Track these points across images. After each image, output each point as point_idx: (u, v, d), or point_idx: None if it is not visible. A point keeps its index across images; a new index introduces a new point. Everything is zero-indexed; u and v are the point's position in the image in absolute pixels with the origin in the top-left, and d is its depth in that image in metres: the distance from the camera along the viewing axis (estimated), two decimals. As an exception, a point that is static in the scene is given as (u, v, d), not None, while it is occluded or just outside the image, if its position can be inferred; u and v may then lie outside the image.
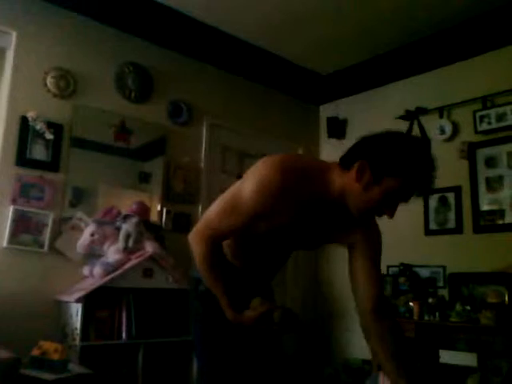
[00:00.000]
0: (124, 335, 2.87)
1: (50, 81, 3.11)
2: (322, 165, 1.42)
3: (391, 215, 1.34)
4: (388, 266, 3.83)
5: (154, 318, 3.02)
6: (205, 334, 1.64)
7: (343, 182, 1.33)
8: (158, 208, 3.53)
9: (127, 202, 3.29)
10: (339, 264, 3.94)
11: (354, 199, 1.32)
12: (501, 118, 3.41)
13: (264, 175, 1.32)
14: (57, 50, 3.18)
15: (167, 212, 3.56)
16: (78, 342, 2.68)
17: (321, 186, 1.36)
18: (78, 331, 2.70)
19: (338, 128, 4.49)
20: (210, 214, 1.46)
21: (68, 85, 3.18)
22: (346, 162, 1.34)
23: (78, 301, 2.72)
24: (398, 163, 1.25)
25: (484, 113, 3.50)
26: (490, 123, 3.47)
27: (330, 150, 4.63)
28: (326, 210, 1.42)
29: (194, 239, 1.47)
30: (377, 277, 1.49)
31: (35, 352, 2.35)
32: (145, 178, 3.56)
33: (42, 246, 2.94)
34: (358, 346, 3.88)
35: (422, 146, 1.32)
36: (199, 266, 1.49)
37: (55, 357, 2.31)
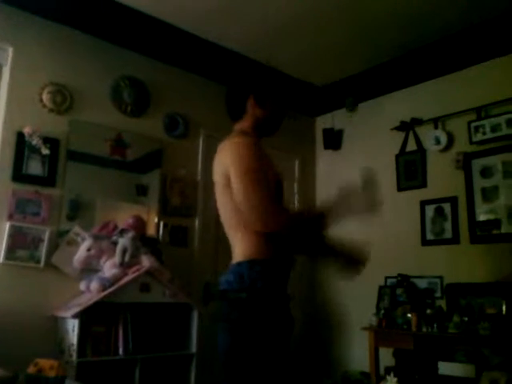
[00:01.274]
0: (121, 350, 2.85)
1: (46, 96, 3.12)
2: (242, 134, 1.82)
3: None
4: (386, 277, 3.83)
5: (151, 332, 3.01)
6: (238, 343, 1.62)
7: (252, 120, 1.88)
8: (155, 221, 3.54)
9: (124, 215, 3.29)
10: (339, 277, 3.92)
11: (265, 121, 1.89)
12: (495, 128, 3.43)
13: (246, 152, 1.70)
14: (53, 65, 3.20)
15: (164, 225, 3.56)
16: (74, 358, 2.67)
17: (253, 136, 1.82)
18: (75, 347, 2.68)
19: (333, 139, 4.51)
20: (254, 197, 1.63)
21: (64, 100, 3.19)
22: (237, 114, 1.93)
23: (74, 316, 2.71)
24: (275, 93, 1.96)
25: (479, 123, 3.53)
26: (484, 133, 3.49)
27: (327, 161, 4.65)
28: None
29: (269, 223, 1.64)
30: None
31: (31, 369, 2.33)
32: (142, 190, 3.56)
33: (38, 262, 2.94)
34: (357, 358, 3.87)
35: (280, 80, 2.04)
36: (284, 226, 1.70)
37: (51, 374, 2.29)
